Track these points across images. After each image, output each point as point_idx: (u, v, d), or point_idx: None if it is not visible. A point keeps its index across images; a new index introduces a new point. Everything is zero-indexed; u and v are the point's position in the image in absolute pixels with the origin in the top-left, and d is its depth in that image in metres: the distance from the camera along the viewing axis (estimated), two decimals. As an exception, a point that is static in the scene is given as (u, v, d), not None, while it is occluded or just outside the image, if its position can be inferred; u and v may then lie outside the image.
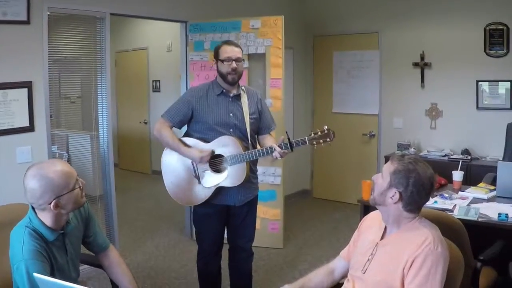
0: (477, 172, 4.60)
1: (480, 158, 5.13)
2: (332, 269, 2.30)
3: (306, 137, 2.86)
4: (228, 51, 2.99)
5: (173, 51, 7.59)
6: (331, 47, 6.34)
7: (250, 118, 3.06)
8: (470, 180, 4.34)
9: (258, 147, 3.14)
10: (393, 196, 1.94)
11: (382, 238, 2.05)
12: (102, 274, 3.19)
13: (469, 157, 5.04)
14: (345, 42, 6.21)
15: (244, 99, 3.08)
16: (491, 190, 3.56)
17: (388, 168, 1.98)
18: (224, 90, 3.05)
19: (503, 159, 4.30)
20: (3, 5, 3.40)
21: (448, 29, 5.38)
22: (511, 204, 3.22)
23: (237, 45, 3.07)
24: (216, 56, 3.04)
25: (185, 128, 3.17)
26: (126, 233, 5.13)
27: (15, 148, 3.60)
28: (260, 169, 3.31)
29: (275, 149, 2.86)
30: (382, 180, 1.99)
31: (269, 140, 3.13)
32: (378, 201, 2.01)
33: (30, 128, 3.68)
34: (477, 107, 5.27)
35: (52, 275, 1.98)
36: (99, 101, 4.20)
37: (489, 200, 3.40)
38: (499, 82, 5.11)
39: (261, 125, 3.18)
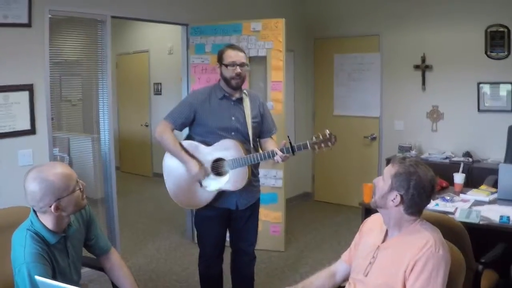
0: (478, 175, 4.60)
1: (481, 161, 5.12)
2: (334, 272, 2.30)
3: (307, 141, 2.85)
4: (233, 56, 2.98)
5: (174, 53, 7.61)
6: (332, 49, 6.34)
7: (252, 122, 3.06)
8: (472, 182, 4.34)
9: (260, 150, 3.14)
10: (394, 199, 1.94)
11: (383, 241, 2.05)
12: (103, 277, 3.19)
13: (470, 160, 5.04)
14: (346, 44, 6.22)
15: (246, 103, 3.08)
16: (492, 193, 3.56)
17: (389, 170, 1.98)
18: (226, 94, 3.04)
19: (505, 162, 4.30)
20: (5, 8, 3.41)
21: (449, 31, 5.39)
22: (512, 206, 3.21)
23: (241, 50, 3.06)
24: (220, 60, 3.03)
25: (186, 130, 3.17)
26: (127, 236, 5.13)
27: (17, 151, 3.61)
28: (261, 171, 3.31)
29: (276, 153, 2.86)
30: (383, 183, 1.99)
31: (270, 144, 3.12)
32: (379, 204, 2.01)
33: (32, 131, 3.68)
34: (478, 110, 5.27)
35: (54, 278, 1.98)
36: (100, 103, 4.20)
37: (490, 202, 3.39)
38: (500, 84, 5.11)
39: (262, 128, 3.18)
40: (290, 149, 2.84)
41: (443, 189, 3.79)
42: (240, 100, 3.07)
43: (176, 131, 3.11)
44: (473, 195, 3.55)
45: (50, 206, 1.95)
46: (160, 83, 8.22)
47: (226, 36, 4.70)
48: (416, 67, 5.64)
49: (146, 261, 4.60)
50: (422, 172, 1.93)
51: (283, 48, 4.59)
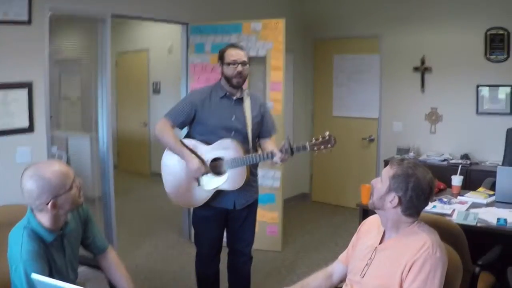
0: (476, 177, 4.60)
1: (479, 163, 5.13)
2: (331, 273, 2.30)
3: (307, 143, 2.86)
4: (234, 55, 2.99)
5: (173, 53, 7.59)
6: (332, 50, 6.35)
7: (252, 122, 3.06)
8: (469, 185, 4.34)
9: (259, 150, 3.14)
10: (392, 200, 1.94)
11: (380, 242, 2.05)
12: (100, 275, 3.18)
13: (468, 162, 5.04)
14: (346, 46, 6.22)
15: (247, 103, 3.08)
16: (490, 195, 3.56)
17: (387, 172, 1.98)
18: (227, 93, 3.04)
19: (503, 164, 4.30)
20: (5, 5, 3.40)
21: (448, 34, 5.39)
22: (510, 209, 3.22)
23: (242, 49, 3.06)
24: (221, 59, 3.03)
25: (185, 129, 3.17)
26: (124, 235, 5.12)
27: (15, 149, 3.60)
28: (259, 172, 3.31)
29: (275, 154, 2.86)
30: (381, 185, 1.99)
31: (270, 145, 3.12)
32: (377, 206, 2.01)
33: (30, 129, 3.67)
34: (477, 112, 5.28)
35: (51, 276, 1.97)
36: (99, 102, 4.20)
37: (488, 205, 3.40)
38: (499, 87, 5.12)
39: (262, 129, 3.17)
40: (289, 150, 2.84)
41: (441, 191, 3.80)
42: (240, 100, 3.07)
43: (176, 131, 3.11)
44: (470, 197, 3.56)
45: (47, 204, 1.95)
46: (159, 82, 8.21)
47: (226, 35, 4.69)
48: (416, 69, 5.65)
49: (143, 260, 4.60)
50: (421, 174, 1.93)
51: (283, 49, 4.59)
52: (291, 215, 5.88)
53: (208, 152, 2.99)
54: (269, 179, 4.66)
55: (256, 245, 3.46)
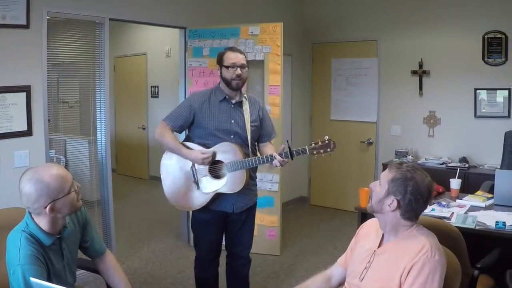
0: (474, 180, 4.61)
1: (477, 166, 5.14)
2: (329, 276, 2.29)
3: (306, 147, 2.87)
4: (233, 58, 3.00)
5: (171, 57, 7.61)
6: (330, 54, 6.36)
7: (251, 126, 3.06)
8: (468, 188, 4.35)
9: (259, 154, 3.14)
10: (391, 204, 1.94)
11: (379, 246, 2.05)
12: (98, 279, 3.18)
13: (466, 165, 5.05)
14: (344, 49, 6.23)
15: (246, 106, 3.08)
16: (488, 198, 3.57)
17: (386, 175, 1.98)
18: (226, 97, 3.05)
19: (501, 167, 4.32)
20: (2, 8, 3.40)
21: (446, 37, 5.41)
22: (508, 212, 3.22)
23: (241, 52, 3.08)
24: (220, 62, 3.05)
25: (184, 134, 3.17)
26: (123, 238, 5.11)
27: (13, 152, 3.59)
28: (257, 175, 3.31)
29: (275, 157, 2.87)
30: (380, 188, 1.99)
31: (269, 148, 3.13)
32: (376, 209, 2.01)
33: (28, 132, 3.66)
34: (475, 115, 5.28)
35: (49, 279, 1.97)
36: (97, 106, 4.20)
37: (486, 208, 3.40)
38: (497, 91, 5.12)
39: (261, 133, 3.18)
40: (288, 154, 2.85)
41: (439, 194, 3.81)
42: (240, 104, 3.08)
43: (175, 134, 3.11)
44: (469, 200, 3.56)
45: (45, 208, 1.95)
46: (157, 86, 8.21)
47: (224, 39, 4.70)
48: (414, 72, 5.65)
49: (142, 263, 4.59)
50: (420, 177, 1.93)
51: (281, 52, 4.60)
52: (290, 219, 5.88)
53: (207, 156, 2.99)
54: (268, 182, 4.66)
55: (255, 248, 3.46)
